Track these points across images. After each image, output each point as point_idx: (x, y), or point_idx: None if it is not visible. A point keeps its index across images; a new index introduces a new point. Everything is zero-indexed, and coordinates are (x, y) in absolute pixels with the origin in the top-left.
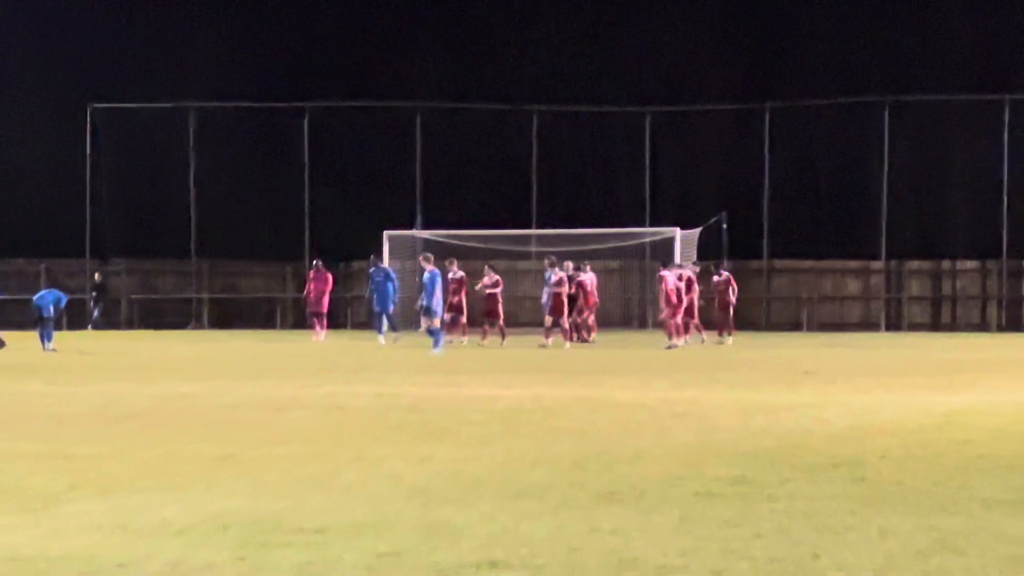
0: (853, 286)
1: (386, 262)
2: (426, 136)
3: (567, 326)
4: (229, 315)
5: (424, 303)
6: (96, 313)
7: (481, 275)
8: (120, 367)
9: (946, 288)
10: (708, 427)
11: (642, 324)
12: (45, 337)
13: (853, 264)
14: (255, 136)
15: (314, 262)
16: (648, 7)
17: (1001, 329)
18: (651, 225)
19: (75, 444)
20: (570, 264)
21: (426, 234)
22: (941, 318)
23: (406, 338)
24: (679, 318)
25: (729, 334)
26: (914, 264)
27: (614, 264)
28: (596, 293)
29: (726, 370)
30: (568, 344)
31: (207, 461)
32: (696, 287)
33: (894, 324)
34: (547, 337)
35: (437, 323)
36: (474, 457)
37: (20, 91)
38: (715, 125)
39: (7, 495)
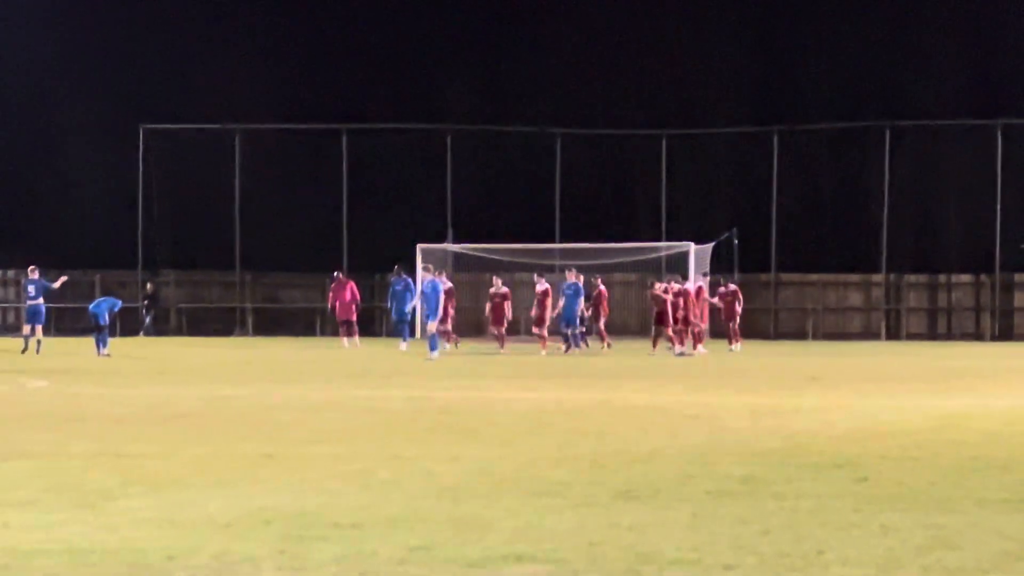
0: (855, 298)
1: (419, 274)
2: (457, 156)
3: (545, 333)
4: (271, 323)
5: (427, 314)
6: (147, 321)
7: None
8: (169, 371)
9: (942, 300)
10: (719, 428)
11: (659, 333)
12: (100, 343)
13: (855, 277)
14: (296, 156)
15: (334, 273)
16: (665, 37)
17: (994, 339)
18: (667, 240)
19: (127, 443)
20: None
21: (456, 247)
22: (937, 328)
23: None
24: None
25: (737, 342)
26: (912, 278)
27: (632, 277)
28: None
29: (736, 376)
30: (544, 351)
31: (250, 459)
32: (694, 298)
33: (893, 334)
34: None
35: (433, 328)
36: (500, 456)
37: (77, 113)
38: (727, 147)
39: (64, 492)
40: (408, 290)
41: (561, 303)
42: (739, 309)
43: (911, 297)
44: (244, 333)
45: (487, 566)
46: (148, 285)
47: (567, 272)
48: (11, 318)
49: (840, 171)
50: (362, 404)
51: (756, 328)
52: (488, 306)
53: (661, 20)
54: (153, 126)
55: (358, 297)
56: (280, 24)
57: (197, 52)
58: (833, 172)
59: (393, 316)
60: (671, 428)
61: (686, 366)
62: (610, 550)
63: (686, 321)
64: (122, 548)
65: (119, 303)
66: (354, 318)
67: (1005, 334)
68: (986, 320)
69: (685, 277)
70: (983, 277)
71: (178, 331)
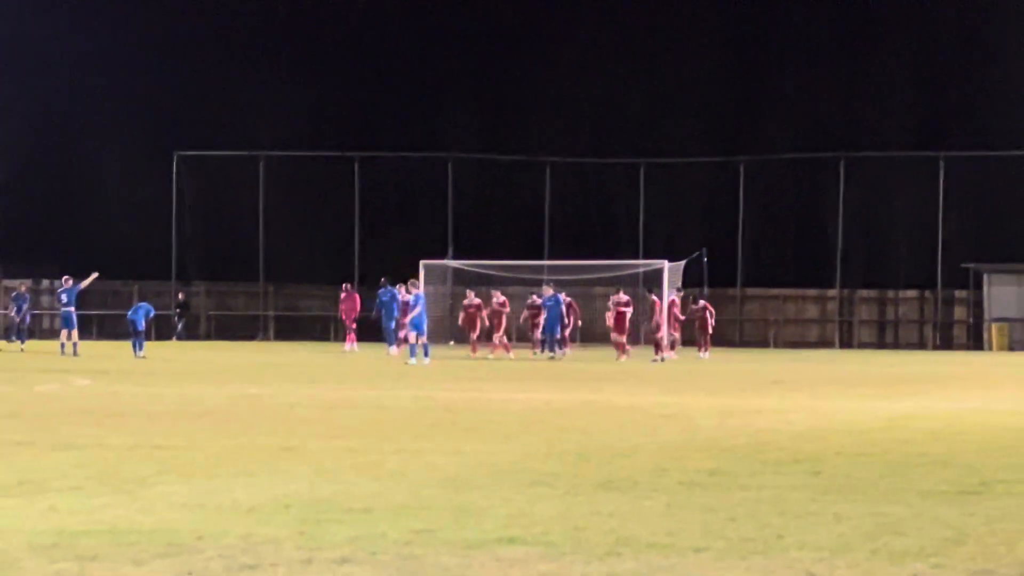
0: (812, 310)
1: (422, 287)
2: (457, 181)
3: (500, 342)
4: (290, 329)
5: (413, 321)
6: (180, 327)
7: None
8: (199, 372)
9: (890, 313)
10: (691, 427)
11: (634, 341)
12: (137, 346)
13: (812, 292)
14: (314, 180)
15: (343, 285)
16: (644, 78)
17: (936, 348)
18: (644, 257)
19: (161, 436)
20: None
21: (456, 263)
22: (886, 338)
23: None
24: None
25: (706, 350)
26: (863, 292)
27: (612, 290)
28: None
29: (706, 380)
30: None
31: (271, 451)
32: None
33: (846, 343)
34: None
35: (413, 337)
36: (497, 450)
37: (118, 140)
38: (698, 175)
39: (105, 478)
40: (394, 300)
41: (543, 315)
42: (711, 321)
43: (862, 310)
44: (266, 338)
45: (483, 548)
46: (180, 294)
47: (545, 287)
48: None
49: (799, 196)
50: (373, 403)
51: (724, 337)
52: (462, 316)
53: (641, 61)
54: (186, 152)
55: (357, 308)
56: (300, 61)
57: (226, 86)
58: (793, 197)
59: (383, 323)
60: (648, 426)
61: (661, 371)
62: (593, 534)
63: (656, 330)
64: (158, 529)
65: (153, 310)
66: (354, 325)
67: (946, 344)
68: (929, 331)
69: (649, 290)
70: (927, 293)
71: (207, 336)
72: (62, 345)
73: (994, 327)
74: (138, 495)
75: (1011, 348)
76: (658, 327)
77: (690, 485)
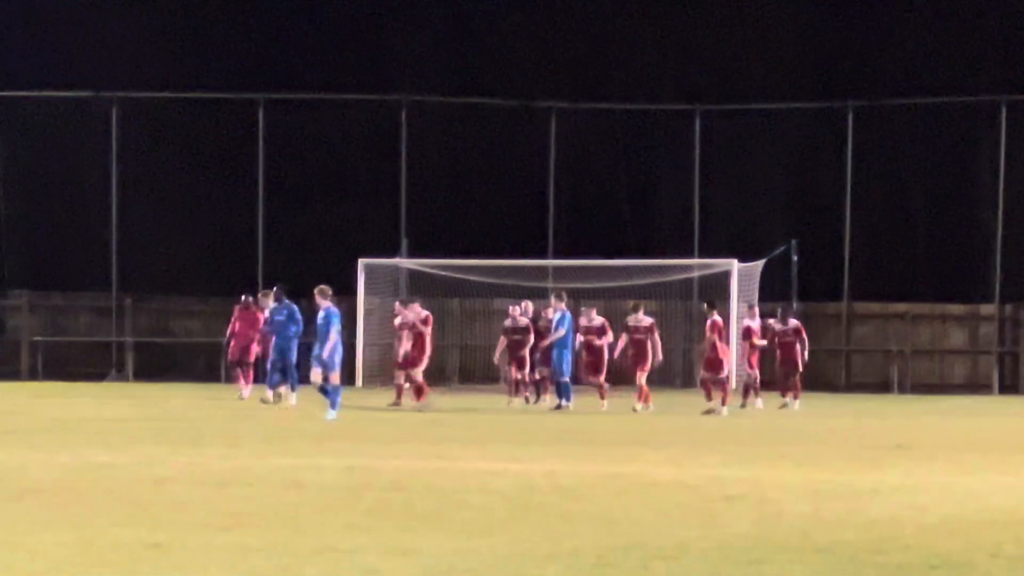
0: (957, 337)
1: (361, 298)
2: (414, 138)
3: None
4: (158, 364)
5: (316, 351)
6: None
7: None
8: (19, 429)
9: None
10: (770, 514)
11: (687, 382)
12: None
13: (957, 309)
14: (194, 136)
15: (242, 297)
16: None
17: None
18: (700, 256)
19: None
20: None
21: (412, 263)
22: None
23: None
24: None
25: (796, 397)
26: None
27: (652, 305)
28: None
29: (793, 442)
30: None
31: (131, 550)
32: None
33: (1010, 386)
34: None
35: (334, 378)
36: (471, 549)
37: None
38: (783, 129)
39: None
40: (293, 320)
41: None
42: (802, 353)
43: None
44: (123, 377)
45: None
46: None
47: (553, 299)
48: None
49: (939, 163)
50: (283, 477)
51: (821, 376)
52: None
53: None
54: None
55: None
56: None
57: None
58: (929, 165)
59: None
60: (704, 513)
61: (724, 428)
62: None
63: (715, 367)
64: None
65: None
66: (253, 358)
67: None
68: None
69: (712, 306)
70: None
71: (32, 373)
72: None
73: None
74: None
75: None
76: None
77: None
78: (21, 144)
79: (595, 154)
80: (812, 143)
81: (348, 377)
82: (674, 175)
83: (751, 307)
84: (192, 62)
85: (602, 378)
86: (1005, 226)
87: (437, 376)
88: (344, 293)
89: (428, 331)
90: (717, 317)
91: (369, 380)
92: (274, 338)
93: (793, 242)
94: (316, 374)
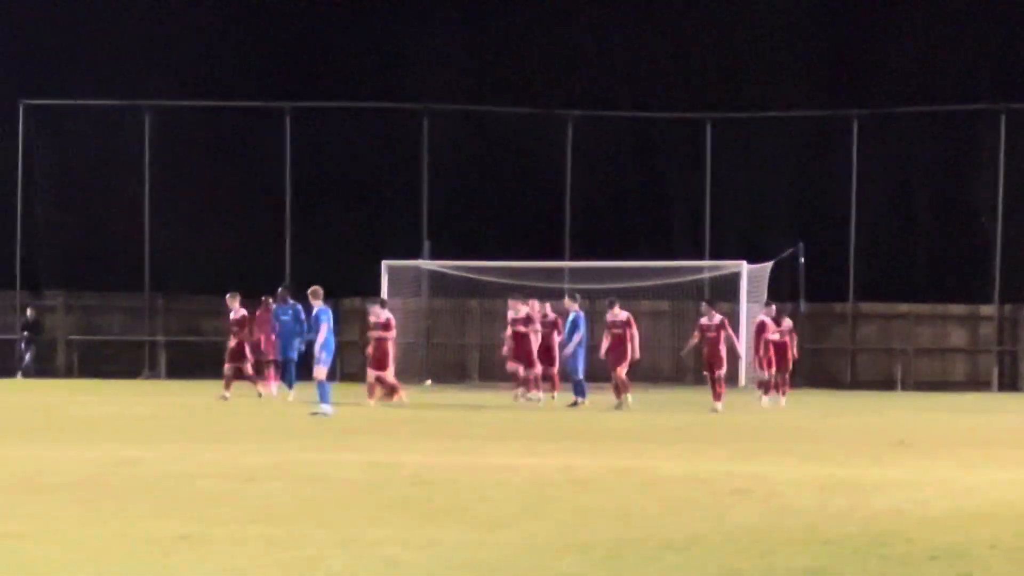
0: (959, 336)
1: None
2: (435, 144)
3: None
4: (189, 363)
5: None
6: (27, 358)
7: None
8: (54, 425)
9: None
10: (777, 508)
11: (698, 379)
12: None
13: (958, 309)
14: (223, 143)
15: (263, 298)
16: None
17: None
18: (711, 258)
19: None
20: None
21: (434, 265)
22: None
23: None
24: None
25: (783, 393)
26: None
27: (664, 305)
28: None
29: (799, 439)
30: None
31: (161, 543)
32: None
33: (1009, 383)
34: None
35: (321, 374)
36: (489, 542)
37: None
38: (791, 136)
39: None
40: (297, 320)
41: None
42: (792, 351)
43: None
44: (154, 375)
45: None
46: (28, 311)
47: (567, 300)
48: None
49: (941, 168)
50: (309, 471)
51: (827, 374)
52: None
53: None
54: (36, 101)
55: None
56: None
57: (95, 7)
58: (931, 170)
59: (280, 355)
60: (714, 507)
61: (733, 425)
62: None
63: (714, 365)
64: None
65: None
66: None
67: None
68: None
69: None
70: None
71: (67, 371)
72: None
73: None
74: None
75: None
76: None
77: None
78: (58, 150)
79: (610, 160)
80: (818, 150)
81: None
82: (686, 180)
83: (768, 305)
84: (222, 72)
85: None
86: (1004, 230)
87: (459, 373)
88: (368, 294)
89: (389, 335)
90: (718, 317)
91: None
92: (278, 337)
93: (800, 244)
94: (324, 371)
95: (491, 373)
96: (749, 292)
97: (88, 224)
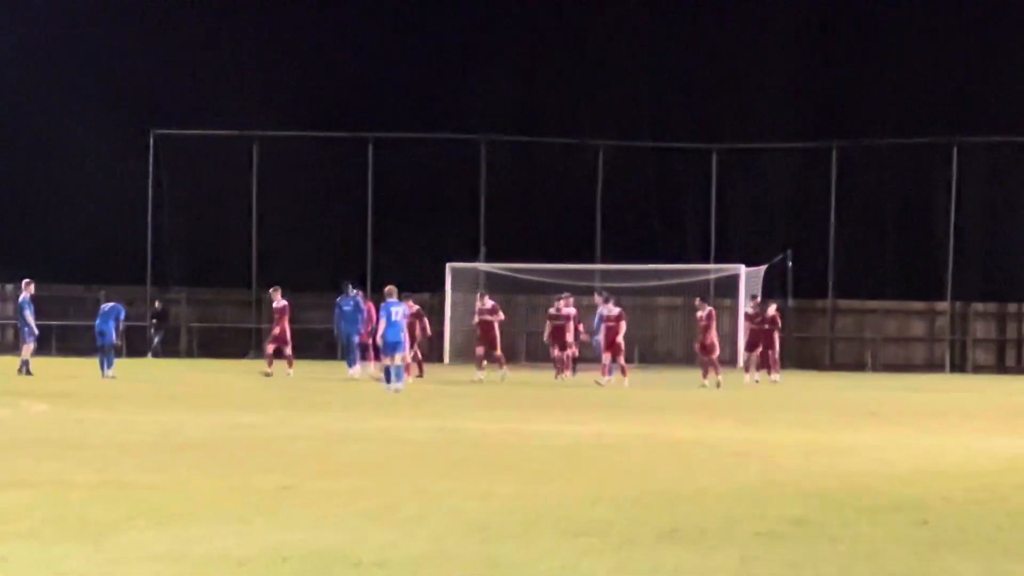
0: (918, 327)
1: (448, 294)
2: (491, 168)
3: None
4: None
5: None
6: (156, 341)
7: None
8: (179, 396)
9: (1011, 331)
10: (770, 467)
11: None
12: (105, 363)
13: (918, 305)
14: (318, 166)
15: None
16: (716, 46)
17: None
18: (716, 262)
19: (133, 473)
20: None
21: (488, 267)
22: (1006, 361)
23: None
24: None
25: (770, 372)
26: (979, 306)
27: (678, 301)
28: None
29: (789, 410)
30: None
31: (266, 492)
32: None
33: (959, 366)
34: (604, 374)
35: (391, 360)
36: (535, 493)
37: (82, 116)
38: (782, 163)
39: (64, 524)
40: (359, 310)
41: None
42: (775, 336)
43: (978, 327)
44: (259, 356)
45: None
46: (157, 303)
47: (597, 296)
48: (9, 336)
49: (904, 190)
50: (387, 435)
51: (811, 358)
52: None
53: (713, 24)
54: (165, 131)
55: (375, 320)
56: (300, 23)
57: (213, 51)
58: (896, 191)
59: (343, 339)
60: (719, 465)
61: (734, 399)
62: None
63: (709, 350)
64: None
65: (124, 311)
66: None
67: None
68: None
69: (704, 299)
70: None
71: (189, 352)
72: (24, 363)
73: None
74: (105, 544)
75: None
76: (711, 347)
77: (769, 536)
78: (181, 172)
79: (633, 181)
80: (804, 174)
81: (437, 355)
82: (696, 198)
83: (754, 297)
84: (316, 107)
85: (621, 359)
86: (956, 241)
87: (509, 356)
88: (435, 290)
89: (496, 318)
90: (708, 308)
91: (454, 358)
92: (343, 324)
93: (789, 251)
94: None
95: (535, 356)
96: (747, 290)
97: (206, 232)
